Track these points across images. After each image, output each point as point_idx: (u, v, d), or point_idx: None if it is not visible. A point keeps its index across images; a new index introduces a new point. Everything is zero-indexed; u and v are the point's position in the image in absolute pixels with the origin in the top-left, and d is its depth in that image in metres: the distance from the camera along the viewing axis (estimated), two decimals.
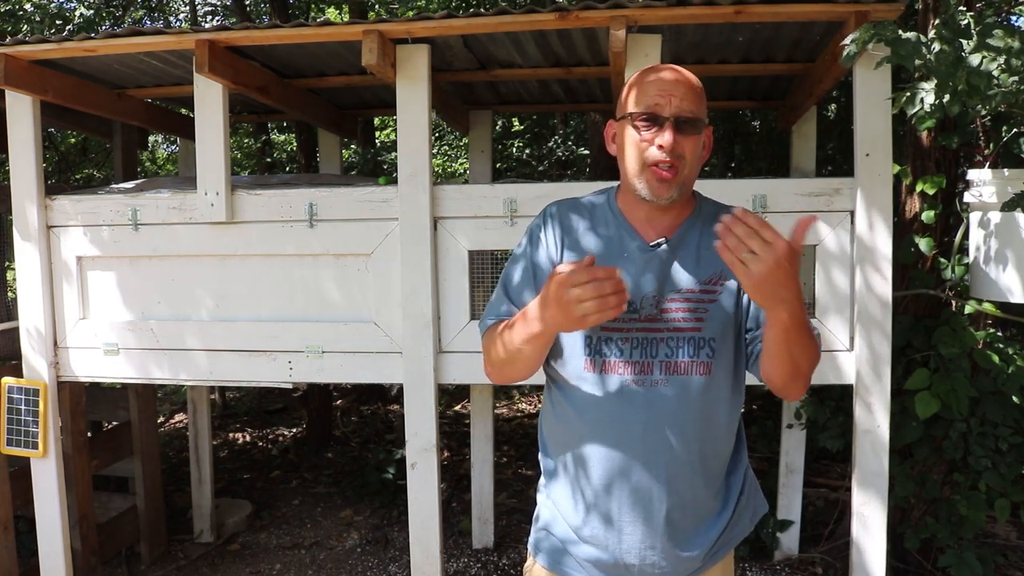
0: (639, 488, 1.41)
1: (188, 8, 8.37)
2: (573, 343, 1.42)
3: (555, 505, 1.54)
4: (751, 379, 1.53)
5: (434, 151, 5.24)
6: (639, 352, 1.39)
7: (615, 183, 1.53)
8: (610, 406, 1.40)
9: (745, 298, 1.43)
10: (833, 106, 5.50)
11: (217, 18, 8.87)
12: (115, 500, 4.03)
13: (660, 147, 1.35)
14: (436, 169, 8.27)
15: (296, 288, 3.01)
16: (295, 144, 7.48)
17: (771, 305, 1.21)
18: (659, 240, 1.42)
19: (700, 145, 1.40)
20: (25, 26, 6.29)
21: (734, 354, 1.43)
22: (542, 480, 1.60)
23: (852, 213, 2.67)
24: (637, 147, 1.38)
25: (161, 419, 6.32)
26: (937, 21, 2.05)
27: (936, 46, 1.96)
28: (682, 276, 1.41)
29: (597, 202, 1.50)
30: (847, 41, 2.23)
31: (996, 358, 3.10)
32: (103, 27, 6.43)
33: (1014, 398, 3.07)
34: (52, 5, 6.74)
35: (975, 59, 1.92)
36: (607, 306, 1.17)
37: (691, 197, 1.47)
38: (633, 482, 1.41)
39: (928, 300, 3.29)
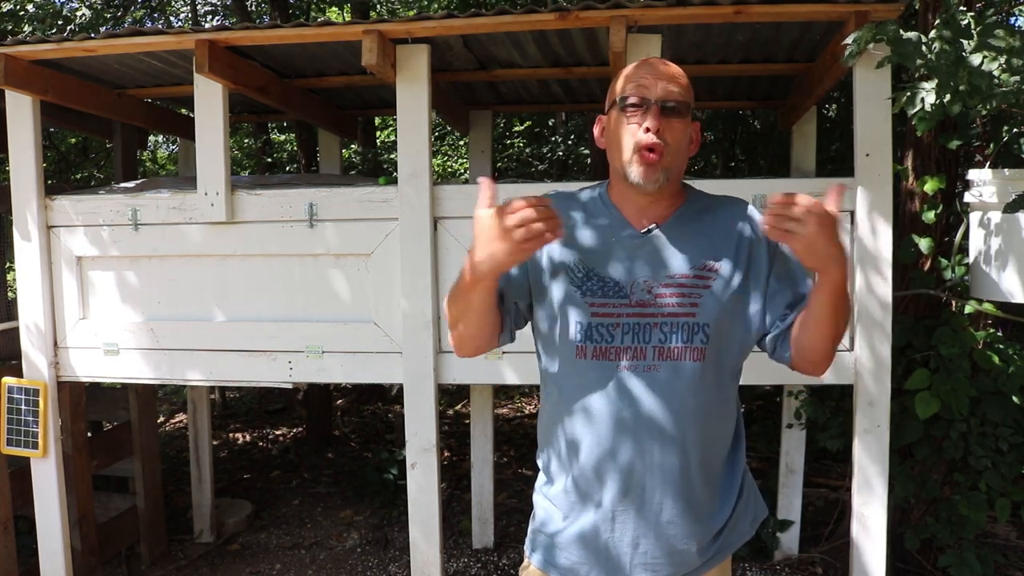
0: (632, 477, 1.41)
1: (188, 8, 8.37)
2: (565, 330, 1.42)
3: (549, 500, 1.53)
4: (749, 379, 1.52)
5: (434, 151, 5.24)
6: (631, 337, 1.39)
7: (608, 180, 1.53)
8: (603, 392, 1.40)
9: (766, 287, 1.42)
10: (834, 106, 5.50)
11: (217, 18, 8.87)
12: (115, 500, 4.03)
13: (647, 129, 1.36)
14: (436, 169, 8.27)
15: (296, 288, 3.01)
16: (295, 144, 7.48)
17: (825, 264, 1.27)
18: (650, 226, 1.42)
19: (686, 135, 1.40)
20: (27, 26, 6.29)
21: (729, 342, 1.42)
22: (539, 479, 1.60)
23: (852, 213, 2.67)
24: (625, 131, 1.38)
25: (161, 419, 6.31)
26: (938, 21, 2.05)
27: (937, 46, 1.97)
28: (674, 261, 1.41)
29: (590, 194, 1.51)
30: (848, 41, 2.23)
31: (996, 358, 3.10)
32: (103, 27, 6.43)
33: (1014, 398, 3.07)
34: (55, 3, 6.74)
35: (976, 59, 1.92)
36: (541, 231, 1.23)
37: (682, 190, 1.48)
38: (626, 471, 1.41)
39: (928, 300, 3.29)
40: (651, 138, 1.35)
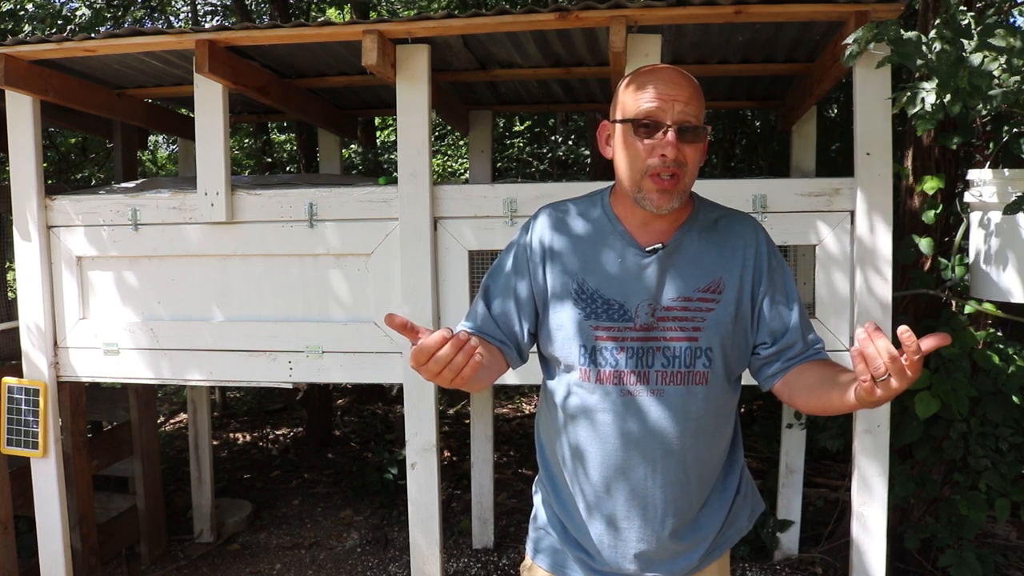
0: (636, 493, 1.41)
1: (188, 8, 8.37)
2: (568, 353, 1.41)
3: (553, 507, 1.54)
4: (750, 379, 1.52)
5: (434, 151, 5.24)
6: (635, 362, 1.37)
7: (610, 183, 1.49)
8: (607, 415, 1.39)
9: (756, 310, 1.41)
10: (834, 106, 5.50)
11: (217, 18, 8.86)
12: (115, 500, 4.03)
13: (662, 156, 1.31)
14: (436, 169, 8.26)
15: (296, 288, 3.01)
16: (295, 144, 7.48)
17: (873, 405, 1.17)
18: (655, 246, 1.39)
19: (701, 152, 1.36)
20: (27, 26, 6.29)
21: (732, 362, 1.42)
22: (540, 480, 1.60)
23: (852, 213, 2.67)
24: (637, 156, 1.33)
25: (161, 419, 6.32)
26: (938, 21, 2.05)
27: (937, 46, 1.96)
28: (679, 283, 1.38)
29: (590, 206, 1.47)
30: (849, 41, 2.23)
31: (996, 358, 3.10)
32: (103, 27, 6.43)
33: (1014, 398, 3.07)
34: (55, 3, 6.74)
35: (976, 59, 1.92)
36: (457, 369, 1.11)
37: (688, 199, 1.44)
38: (630, 488, 1.41)
39: (928, 300, 3.29)
40: (666, 166, 1.31)
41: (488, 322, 1.45)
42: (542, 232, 1.46)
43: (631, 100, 1.35)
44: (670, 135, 1.31)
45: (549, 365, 1.49)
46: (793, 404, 1.41)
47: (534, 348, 1.53)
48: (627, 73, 1.47)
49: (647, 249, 1.39)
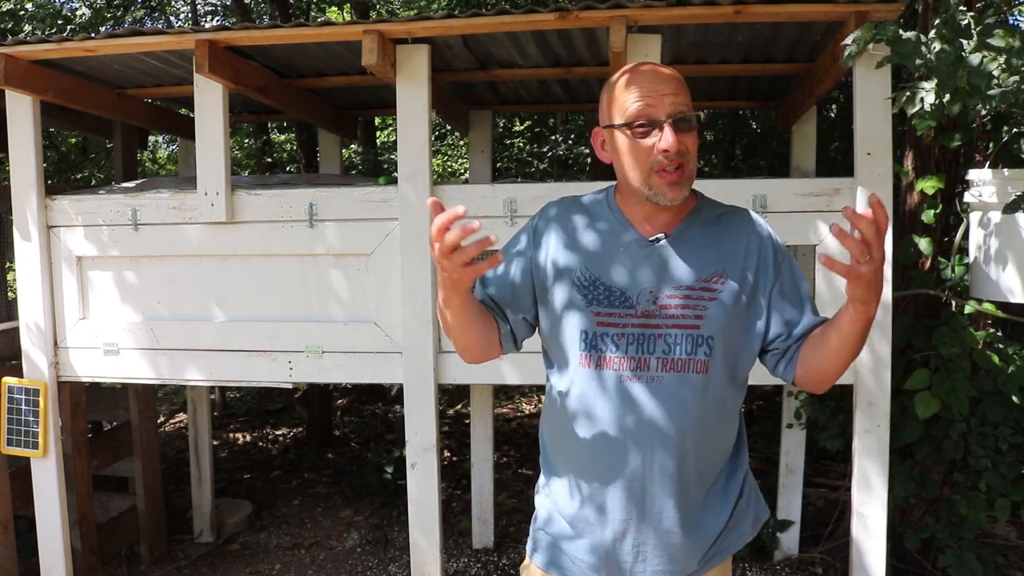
0: (633, 484, 1.41)
1: (188, 8, 8.37)
2: (569, 339, 1.42)
3: (552, 502, 1.54)
4: (750, 379, 1.52)
5: (434, 151, 5.24)
6: (635, 348, 1.38)
7: (612, 183, 1.51)
8: (606, 401, 1.40)
9: (767, 304, 1.41)
10: (834, 106, 5.50)
11: (217, 18, 8.86)
12: (115, 500, 4.03)
13: (664, 151, 1.32)
14: (436, 169, 8.27)
15: (296, 288, 3.01)
16: (295, 144, 7.48)
17: (869, 300, 1.28)
18: (658, 235, 1.40)
19: (696, 142, 1.38)
20: (27, 26, 6.30)
21: (734, 354, 1.42)
22: (541, 480, 1.60)
23: None
24: (640, 155, 1.35)
25: (161, 419, 6.31)
26: (937, 21, 2.05)
27: (937, 46, 1.97)
28: (681, 272, 1.39)
29: (596, 200, 1.49)
30: (848, 41, 2.23)
31: (996, 358, 3.10)
32: (103, 27, 6.44)
33: (1014, 398, 3.06)
34: (55, 3, 6.74)
35: (975, 59, 1.92)
36: (464, 255, 1.20)
37: (692, 194, 1.45)
38: (628, 478, 1.41)
39: (928, 300, 3.29)
40: (670, 160, 1.32)
41: (488, 303, 1.49)
42: (547, 223, 1.48)
43: (621, 103, 1.37)
44: (667, 131, 1.32)
45: (550, 353, 1.50)
46: (820, 372, 1.41)
47: (528, 341, 1.55)
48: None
49: (650, 239, 1.41)
